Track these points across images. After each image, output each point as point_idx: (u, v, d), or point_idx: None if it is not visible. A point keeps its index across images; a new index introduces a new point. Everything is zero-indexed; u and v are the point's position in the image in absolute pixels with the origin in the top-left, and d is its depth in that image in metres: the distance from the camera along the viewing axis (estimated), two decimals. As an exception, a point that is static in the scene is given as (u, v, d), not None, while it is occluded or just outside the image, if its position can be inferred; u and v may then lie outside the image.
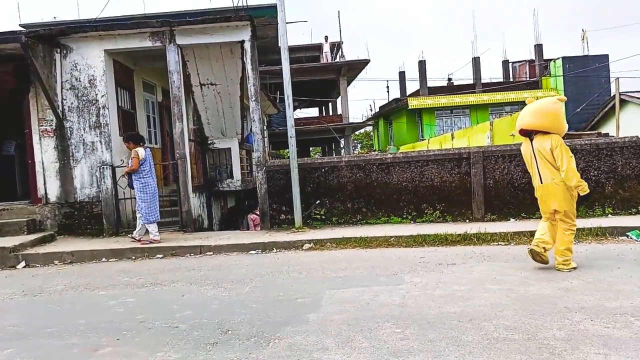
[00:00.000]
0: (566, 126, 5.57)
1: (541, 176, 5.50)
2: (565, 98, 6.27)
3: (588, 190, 5.39)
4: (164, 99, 13.13)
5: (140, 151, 8.40)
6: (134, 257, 7.79)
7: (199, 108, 11.10)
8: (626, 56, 75.05)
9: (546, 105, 5.51)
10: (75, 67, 9.65)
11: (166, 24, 9.51)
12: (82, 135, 9.67)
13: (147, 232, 8.49)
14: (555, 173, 5.36)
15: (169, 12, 13.02)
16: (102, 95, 9.65)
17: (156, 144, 12.84)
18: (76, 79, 9.66)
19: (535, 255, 5.45)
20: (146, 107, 12.40)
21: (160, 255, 7.77)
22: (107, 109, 9.66)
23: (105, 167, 9.55)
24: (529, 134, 5.58)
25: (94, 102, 9.66)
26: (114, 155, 9.72)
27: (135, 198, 8.65)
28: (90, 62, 9.63)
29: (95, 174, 9.67)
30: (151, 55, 10.70)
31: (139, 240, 8.29)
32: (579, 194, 5.42)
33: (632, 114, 20.01)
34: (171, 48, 9.56)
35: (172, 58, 9.57)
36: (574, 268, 5.37)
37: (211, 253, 7.71)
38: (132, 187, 8.64)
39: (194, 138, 11.10)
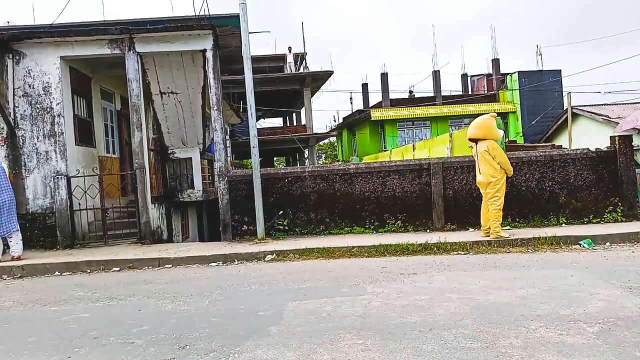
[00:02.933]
0: (499, 133, 8.01)
1: (480, 169, 7.91)
2: (496, 115, 8.32)
3: (511, 168, 7.82)
4: (123, 108, 12.81)
5: None
6: (89, 271, 7.50)
7: (159, 117, 10.89)
8: (578, 72, 78.73)
9: (483, 120, 8.00)
10: (29, 73, 9.30)
11: (126, 32, 9.31)
12: (35, 144, 9.31)
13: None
14: (488, 168, 7.75)
15: (130, 19, 12.72)
16: (58, 103, 9.33)
17: (114, 153, 12.49)
18: (30, 86, 9.31)
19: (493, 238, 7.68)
20: (104, 116, 12.06)
21: (117, 269, 7.51)
22: (63, 117, 9.35)
23: (59, 177, 9.20)
24: (475, 141, 8.00)
25: (48, 110, 9.33)
26: (69, 164, 9.39)
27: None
28: (45, 68, 9.31)
29: (49, 184, 9.31)
30: (110, 63, 10.45)
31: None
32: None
33: (583, 127, 20.90)
34: (130, 56, 9.36)
35: (132, 66, 9.36)
36: (506, 237, 7.62)
37: (170, 265, 7.52)
38: None
39: (154, 147, 10.87)
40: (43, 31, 9.65)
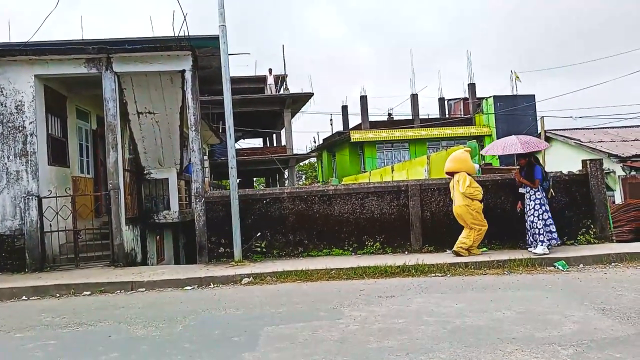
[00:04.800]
0: (474, 166, 8.59)
1: (454, 201, 8.35)
2: (470, 149, 9.01)
3: (481, 197, 8.22)
4: (98, 127, 12.62)
5: None
6: (58, 295, 7.26)
7: (136, 137, 10.75)
8: (551, 97, 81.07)
9: (457, 155, 8.60)
10: (1, 91, 9.14)
11: (103, 51, 9.25)
12: (5, 163, 9.08)
13: None
14: (460, 199, 8.18)
15: (108, 39, 12.67)
16: (30, 122, 9.15)
17: (89, 173, 12.26)
18: (1, 104, 9.12)
19: (456, 255, 8.10)
20: (79, 135, 11.86)
21: (88, 293, 7.29)
22: (35, 136, 9.16)
23: (30, 197, 8.97)
24: (451, 174, 8.51)
25: (20, 129, 9.14)
26: (41, 185, 9.16)
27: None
28: (18, 87, 9.15)
29: (18, 204, 9.06)
30: (86, 82, 10.33)
31: None
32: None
33: (556, 151, 21.43)
34: (107, 75, 9.28)
35: (108, 85, 9.27)
36: (465, 255, 8.01)
37: (144, 289, 7.33)
38: None
39: (130, 168, 10.72)
40: (17, 49, 9.51)
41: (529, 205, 8.17)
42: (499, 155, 29.41)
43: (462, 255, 8.04)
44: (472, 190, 8.15)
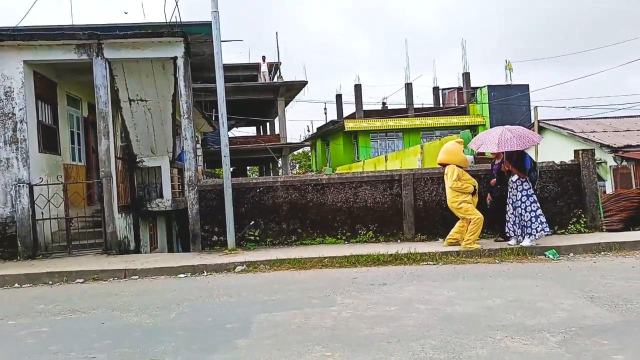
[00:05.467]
0: (466, 158, 8.35)
1: (446, 192, 8.24)
2: (463, 140, 8.73)
3: (472, 190, 8.04)
4: (90, 114, 12.51)
5: None
6: (50, 282, 7.24)
7: (128, 124, 10.67)
8: (544, 87, 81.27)
9: (448, 146, 8.37)
10: (-10, 77, 8.99)
11: (94, 37, 9.13)
12: (-5, 150, 8.98)
13: None
14: (449, 192, 8.07)
15: (99, 24, 12.49)
16: (20, 109, 9.05)
17: (80, 161, 12.17)
18: (-10, 91, 9.00)
19: (449, 246, 8.13)
20: (70, 123, 11.75)
21: (81, 280, 7.28)
22: (25, 123, 9.06)
23: (21, 185, 8.91)
24: (443, 165, 8.33)
25: (10, 115, 9.04)
26: (32, 172, 9.09)
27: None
28: (6, 72, 9.04)
29: (9, 192, 8.99)
30: (77, 68, 10.22)
31: None
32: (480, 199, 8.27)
33: (549, 140, 21.50)
34: (98, 62, 9.17)
35: (99, 72, 9.18)
36: (477, 248, 7.73)
37: (137, 277, 7.33)
38: None
39: (122, 156, 10.65)
40: (5, 34, 9.36)
41: (515, 196, 7.85)
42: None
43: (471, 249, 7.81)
44: (460, 184, 7.93)
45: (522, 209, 7.79)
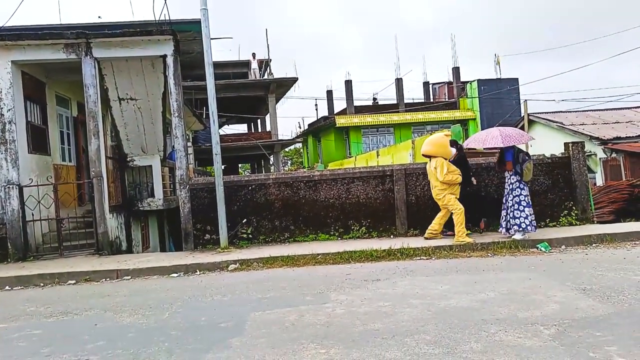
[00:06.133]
0: (451, 150, 8.29)
1: (431, 184, 8.33)
2: (451, 133, 8.71)
3: (460, 180, 8.08)
4: (79, 114, 12.39)
5: None
6: (42, 284, 7.18)
7: (118, 123, 10.58)
8: (534, 80, 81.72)
9: (435, 138, 8.38)
10: (-23, 78, 8.87)
11: (82, 36, 9.04)
12: (-17, 152, 8.86)
13: None
14: (435, 183, 8.17)
15: (87, 23, 12.36)
16: (8, 110, 8.94)
17: (70, 161, 12.06)
18: (-22, 91, 8.87)
19: (429, 239, 8.27)
20: (60, 123, 11.64)
21: (73, 281, 7.23)
22: (14, 124, 8.96)
23: (11, 186, 8.81)
24: (428, 157, 8.32)
25: (-2, 116, 8.91)
26: (21, 173, 8.99)
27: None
28: (-6, 73, 8.90)
29: (-1, 194, 8.87)
30: (65, 68, 10.11)
31: None
32: (462, 190, 8.23)
33: (539, 133, 21.63)
34: (87, 61, 9.08)
35: (88, 71, 9.09)
36: (469, 242, 7.74)
37: (129, 277, 7.29)
38: None
39: (112, 155, 10.56)
40: (-7, 34, 9.23)
41: (506, 189, 8.06)
42: (483, 139, 29.75)
43: (435, 239, 8.24)
44: (451, 177, 8.04)
45: (512, 201, 7.88)
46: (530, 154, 8.74)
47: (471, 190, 8.67)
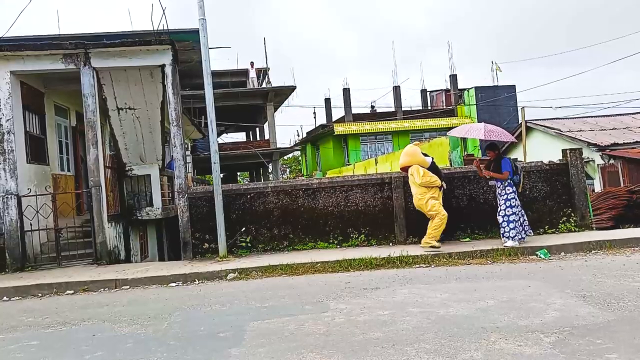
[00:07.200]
0: (425, 159, 8.38)
1: (412, 193, 8.38)
2: (420, 143, 8.83)
3: (440, 184, 8.20)
4: (78, 124, 12.41)
5: None
6: (40, 295, 7.15)
7: (116, 133, 10.59)
8: (531, 87, 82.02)
9: (407, 149, 8.71)
10: (-24, 88, 8.89)
11: (81, 46, 9.07)
12: (-18, 162, 8.86)
13: None
14: (415, 190, 8.26)
15: (86, 33, 12.42)
16: (7, 120, 8.95)
17: (69, 171, 12.06)
18: (-24, 102, 8.88)
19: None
20: (58, 132, 11.65)
21: (71, 292, 7.19)
22: (13, 134, 8.96)
23: (9, 196, 8.79)
24: (406, 168, 8.50)
25: (-4, 126, 8.92)
26: (20, 183, 8.98)
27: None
28: (-7, 83, 8.92)
29: (-3, 204, 8.85)
30: (64, 78, 10.13)
31: None
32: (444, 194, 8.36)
33: (537, 140, 21.70)
34: (86, 71, 9.11)
35: (87, 81, 9.11)
36: (437, 247, 7.92)
37: (127, 287, 7.26)
38: None
39: (111, 164, 10.56)
40: (-8, 45, 9.26)
41: (497, 199, 8.09)
42: (480, 146, 29.77)
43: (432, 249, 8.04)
44: (428, 179, 8.16)
45: (503, 210, 7.91)
46: (527, 161, 8.79)
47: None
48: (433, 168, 8.51)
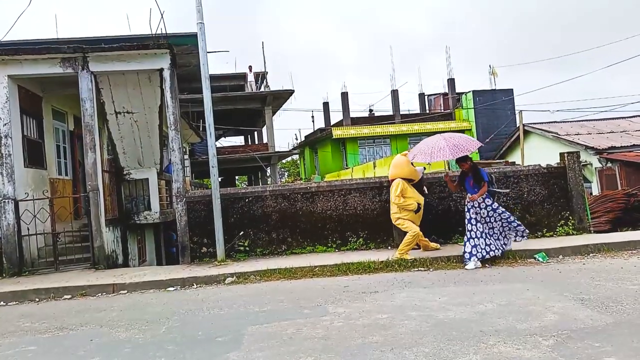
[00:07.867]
0: (414, 169, 8.06)
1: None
2: (407, 152, 8.18)
3: (414, 208, 7.87)
4: (76, 128, 12.39)
5: None
6: (37, 299, 7.12)
7: (114, 137, 10.58)
8: (528, 91, 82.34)
9: (396, 160, 8.29)
10: (-27, 92, 8.87)
11: (79, 50, 9.07)
12: (-21, 166, 8.83)
13: None
14: (391, 204, 8.03)
15: (84, 37, 12.41)
16: (5, 124, 8.93)
17: (67, 175, 12.04)
18: (-26, 106, 8.87)
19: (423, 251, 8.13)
20: (56, 136, 11.63)
21: (68, 296, 7.17)
22: (10, 138, 8.95)
23: (6, 201, 8.77)
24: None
25: (-6, 130, 8.90)
26: (17, 187, 8.95)
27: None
28: (-9, 88, 8.91)
29: (-6, 208, 8.82)
30: (62, 82, 10.13)
31: None
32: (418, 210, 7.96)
33: (535, 144, 21.77)
34: (84, 75, 9.11)
35: (85, 85, 9.11)
36: (405, 259, 7.60)
37: (125, 291, 7.24)
38: None
39: (109, 168, 10.54)
40: (-11, 49, 9.25)
41: (482, 214, 7.37)
42: (478, 150, 29.82)
43: (427, 249, 8.15)
44: (401, 201, 7.82)
45: (498, 220, 7.37)
46: (525, 165, 8.71)
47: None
48: (420, 182, 8.25)
